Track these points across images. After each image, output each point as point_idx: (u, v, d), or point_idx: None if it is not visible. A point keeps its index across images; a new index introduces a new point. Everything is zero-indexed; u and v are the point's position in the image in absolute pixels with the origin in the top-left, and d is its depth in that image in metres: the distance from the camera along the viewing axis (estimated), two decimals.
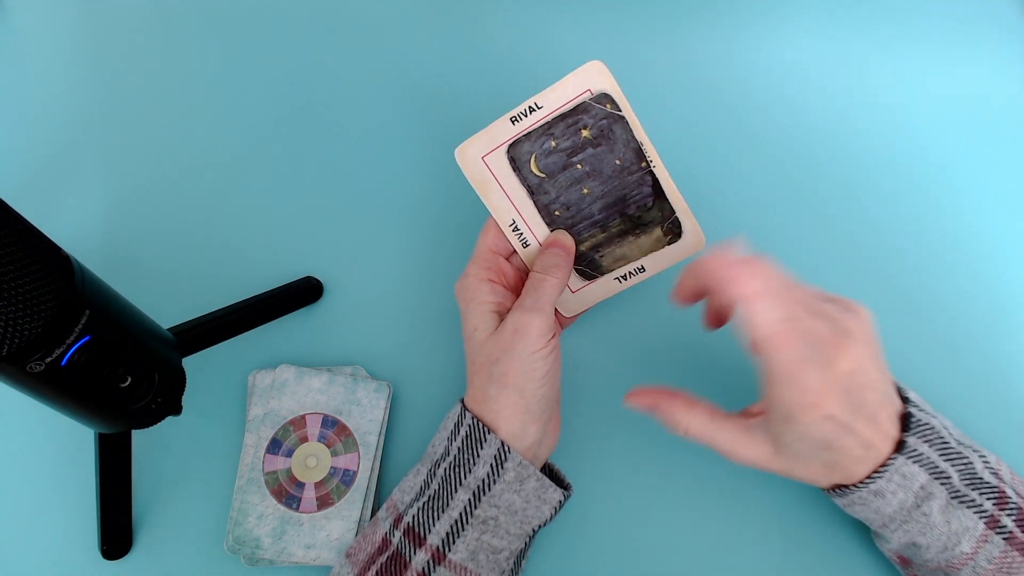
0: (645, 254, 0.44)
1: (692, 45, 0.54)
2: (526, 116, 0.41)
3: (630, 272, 0.44)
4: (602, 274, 0.44)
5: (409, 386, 0.47)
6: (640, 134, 0.41)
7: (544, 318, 0.39)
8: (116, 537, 0.44)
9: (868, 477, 0.36)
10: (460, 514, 0.38)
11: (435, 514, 0.38)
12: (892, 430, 0.36)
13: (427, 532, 0.38)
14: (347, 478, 0.44)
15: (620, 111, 0.41)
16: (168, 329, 0.40)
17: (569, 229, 0.43)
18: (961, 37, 0.54)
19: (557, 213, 0.43)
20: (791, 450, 0.36)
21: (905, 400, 0.38)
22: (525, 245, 0.44)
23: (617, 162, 0.42)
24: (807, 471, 0.37)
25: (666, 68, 0.53)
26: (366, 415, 0.46)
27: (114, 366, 0.33)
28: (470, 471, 0.38)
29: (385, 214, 0.51)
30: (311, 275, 0.49)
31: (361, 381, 0.46)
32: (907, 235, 0.50)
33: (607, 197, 0.42)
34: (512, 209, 0.43)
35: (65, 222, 0.50)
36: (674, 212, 0.43)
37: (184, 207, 0.51)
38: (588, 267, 0.44)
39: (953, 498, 0.36)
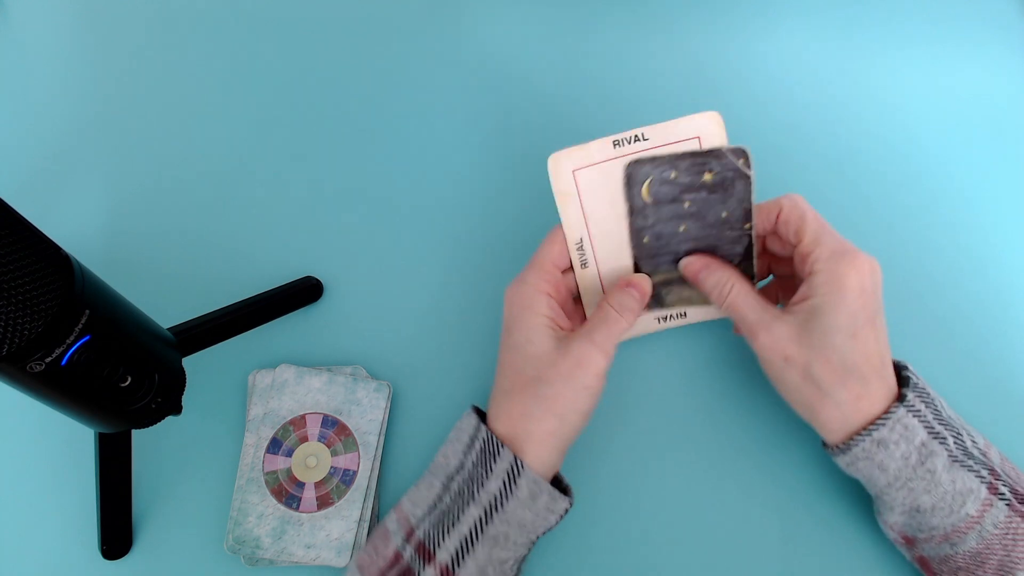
0: (707, 304, 0.44)
1: (691, 44, 0.54)
2: (629, 143, 0.41)
3: (671, 315, 0.45)
4: (660, 307, 0.45)
5: (409, 386, 0.47)
6: (753, 198, 0.41)
7: (607, 359, 0.39)
8: (116, 537, 0.44)
9: (872, 424, 0.37)
10: (470, 530, 0.37)
11: (446, 529, 0.38)
12: (893, 378, 0.38)
13: (437, 548, 0.37)
14: (347, 478, 0.44)
15: (750, 170, 0.41)
16: (168, 329, 0.40)
17: (650, 258, 0.43)
18: (961, 37, 0.54)
19: (645, 240, 0.43)
20: (819, 330, 0.37)
21: (903, 368, 0.39)
22: (584, 265, 0.43)
23: (724, 215, 0.42)
24: (824, 368, 0.37)
25: (665, 66, 0.53)
26: (366, 415, 0.46)
27: (114, 366, 0.33)
28: (482, 485, 0.38)
29: (385, 214, 0.51)
30: (311, 275, 0.49)
31: (361, 381, 0.46)
32: (908, 233, 0.50)
33: (699, 242, 0.42)
34: (584, 227, 0.43)
35: (65, 222, 0.50)
36: (753, 277, 0.43)
37: (184, 207, 0.51)
38: (652, 299, 0.44)
39: (953, 460, 0.36)
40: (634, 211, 0.42)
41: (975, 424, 0.40)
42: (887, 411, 0.37)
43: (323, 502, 0.44)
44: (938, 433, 0.37)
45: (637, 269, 0.44)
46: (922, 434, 0.37)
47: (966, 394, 0.46)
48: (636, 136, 0.41)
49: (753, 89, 0.53)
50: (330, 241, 0.50)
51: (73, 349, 0.30)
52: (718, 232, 0.42)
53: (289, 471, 0.45)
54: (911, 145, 0.52)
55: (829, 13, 0.55)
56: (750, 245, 0.42)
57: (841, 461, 0.39)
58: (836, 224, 0.49)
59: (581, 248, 0.43)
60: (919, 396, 0.38)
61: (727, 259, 0.43)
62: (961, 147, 0.52)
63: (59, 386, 0.32)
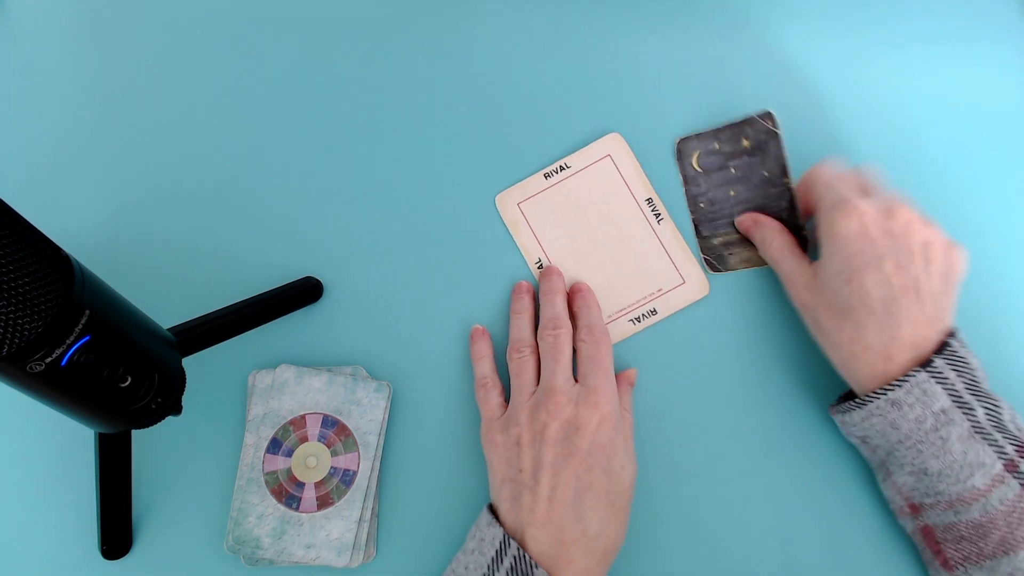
0: (764, 263, 0.48)
1: (692, 45, 0.54)
2: (556, 173, 0.50)
3: (643, 315, 0.48)
4: (726, 269, 0.48)
5: (409, 386, 0.47)
6: (786, 153, 0.47)
7: None
8: (116, 537, 0.44)
9: (888, 385, 0.38)
10: None
11: None
12: (905, 328, 0.38)
13: None
14: (347, 478, 0.44)
15: (778, 129, 0.48)
16: (168, 329, 0.40)
17: (709, 222, 0.49)
18: (961, 37, 0.54)
19: (702, 205, 0.49)
20: (822, 277, 0.41)
21: (951, 333, 0.39)
22: None
23: (765, 174, 0.48)
24: (825, 313, 0.41)
25: (666, 67, 0.53)
26: (366, 415, 0.46)
27: (114, 366, 0.33)
28: None
29: (385, 214, 0.51)
30: (311, 275, 0.49)
31: (361, 381, 0.46)
32: None
33: (749, 203, 0.48)
34: (539, 248, 0.49)
35: (65, 222, 0.50)
36: (803, 228, 0.47)
37: (184, 207, 0.51)
38: (716, 260, 0.48)
39: (976, 432, 0.37)
40: (688, 181, 0.49)
41: None
42: (907, 373, 0.38)
43: (323, 502, 0.44)
44: (966, 403, 0.37)
45: (699, 233, 0.49)
46: (943, 401, 0.37)
47: None
48: (560, 167, 0.50)
49: (752, 90, 0.53)
50: (330, 241, 0.50)
51: (73, 349, 0.30)
52: (763, 191, 0.48)
53: (289, 471, 0.45)
54: (911, 144, 0.52)
55: (829, 13, 0.55)
56: (792, 197, 0.47)
57: (855, 416, 0.40)
58: None
59: (540, 266, 0.49)
60: (951, 364, 0.38)
61: (776, 215, 0.47)
62: (961, 147, 0.52)
63: (59, 386, 0.32)
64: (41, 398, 0.32)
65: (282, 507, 0.44)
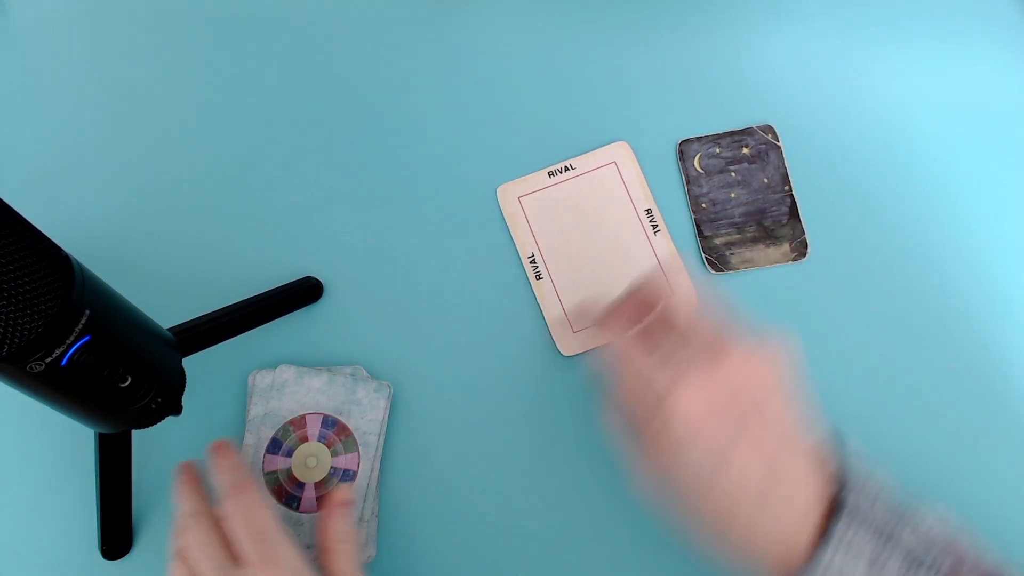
0: (771, 263, 0.48)
1: (691, 44, 0.54)
2: (560, 173, 0.50)
3: None
4: (727, 269, 0.49)
5: (409, 386, 0.47)
6: (787, 163, 0.50)
7: None
8: (116, 537, 0.44)
9: (810, 558, 0.32)
10: None
11: None
12: (785, 501, 0.33)
13: None
14: (347, 478, 0.44)
15: (779, 142, 0.50)
16: (168, 329, 0.40)
17: (711, 222, 0.50)
18: (961, 37, 0.54)
19: (704, 206, 0.50)
20: (686, 475, 0.34)
21: (840, 470, 0.34)
22: (538, 277, 0.49)
23: (765, 180, 0.50)
24: (709, 514, 0.34)
25: (665, 67, 0.53)
26: (366, 415, 0.45)
27: (114, 366, 0.33)
28: None
29: (385, 214, 0.51)
30: (311, 275, 0.49)
31: (361, 381, 0.46)
32: (905, 234, 0.50)
33: (749, 205, 0.50)
34: (533, 243, 0.49)
35: (66, 222, 0.50)
36: (804, 233, 0.49)
37: (184, 207, 0.51)
38: (717, 260, 0.49)
39: (912, 564, 0.33)
40: (690, 181, 0.50)
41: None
42: (824, 531, 0.33)
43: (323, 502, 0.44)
44: (891, 535, 0.33)
45: (700, 233, 0.49)
46: (868, 551, 0.32)
47: (962, 399, 0.46)
48: (565, 167, 0.50)
49: (752, 90, 0.53)
50: (330, 241, 0.50)
51: (73, 349, 0.30)
52: (764, 196, 0.50)
53: (289, 471, 0.45)
54: (910, 144, 0.52)
55: (829, 14, 0.55)
56: (793, 204, 0.49)
57: None
58: (835, 225, 0.50)
59: (534, 261, 0.49)
60: (861, 493, 0.34)
61: (776, 219, 0.49)
62: (961, 148, 0.52)
63: (59, 386, 0.32)
64: (41, 398, 0.32)
65: (282, 507, 0.44)
